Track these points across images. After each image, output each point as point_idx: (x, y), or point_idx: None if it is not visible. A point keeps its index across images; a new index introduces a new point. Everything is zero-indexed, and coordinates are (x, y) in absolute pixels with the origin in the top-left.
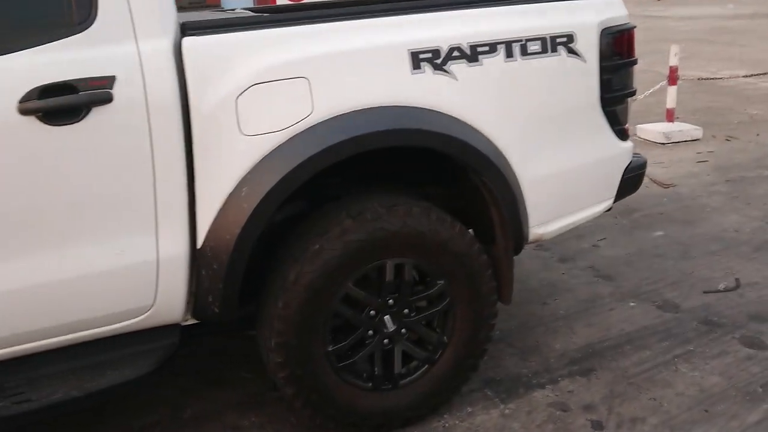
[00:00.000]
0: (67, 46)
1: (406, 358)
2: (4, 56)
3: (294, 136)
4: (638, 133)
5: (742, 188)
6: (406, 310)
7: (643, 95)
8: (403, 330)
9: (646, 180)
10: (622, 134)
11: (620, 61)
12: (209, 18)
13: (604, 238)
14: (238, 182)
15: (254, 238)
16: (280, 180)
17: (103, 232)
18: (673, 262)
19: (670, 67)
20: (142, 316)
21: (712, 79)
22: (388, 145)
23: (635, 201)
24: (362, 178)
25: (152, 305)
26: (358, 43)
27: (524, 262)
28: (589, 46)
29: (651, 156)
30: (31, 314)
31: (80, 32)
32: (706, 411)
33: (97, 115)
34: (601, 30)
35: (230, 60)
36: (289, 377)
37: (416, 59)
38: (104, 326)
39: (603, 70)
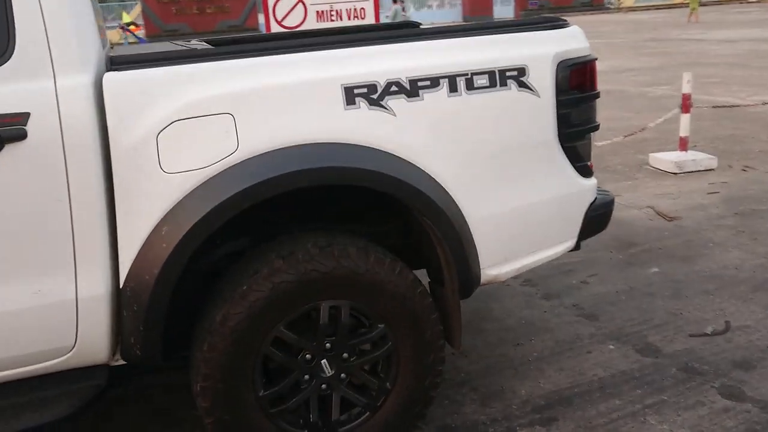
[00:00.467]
0: None
1: (347, 404)
2: None
3: (216, 174)
4: (650, 162)
5: (751, 222)
6: (345, 354)
7: (655, 123)
8: (342, 375)
9: (650, 212)
10: (585, 171)
11: (579, 95)
12: (141, 52)
13: (595, 275)
14: (158, 221)
15: (174, 279)
16: (200, 220)
17: (18, 271)
18: (663, 302)
19: (683, 95)
20: (63, 357)
21: (739, 105)
22: (317, 183)
23: (635, 234)
24: (307, 216)
25: (73, 346)
26: (287, 78)
27: (506, 299)
28: (543, 79)
29: (660, 187)
30: None
31: None
32: None
33: (11, 151)
34: (557, 63)
35: (152, 95)
36: (217, 423)
37: (350, 94)
38: (22, 367)
39: (560, 104)
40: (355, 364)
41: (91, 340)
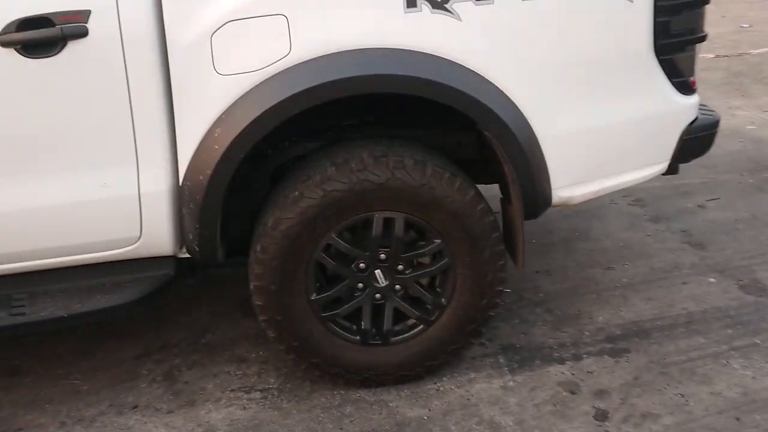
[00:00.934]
0: None
1: (401, 315)
2: None
3: (269, 77)
4: None
5: None
6: (400, 266)
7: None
8: (397, 286)
9: None
10: (685, 87)
11: (681, 1)
12: None
13: (716, 199)
14: (212, 123)
15: (226, 182)
16: (249, 124)
17: (84, 164)
18: None
19: None
20: (131, 247)
21: None
22: (371, 92)
23: None
24: (380, 122)
25: (139, 237)
26: None
27: (609, 218)
28: None
29: None
30: (27, 235)
31: None
32: (737, 419)
33: (73, 48)
34: None
35: None
36: (269, 322)
37: None
38: (95, 252)
39: (659, 10)
40: (410, 277)
41: (155, 232)
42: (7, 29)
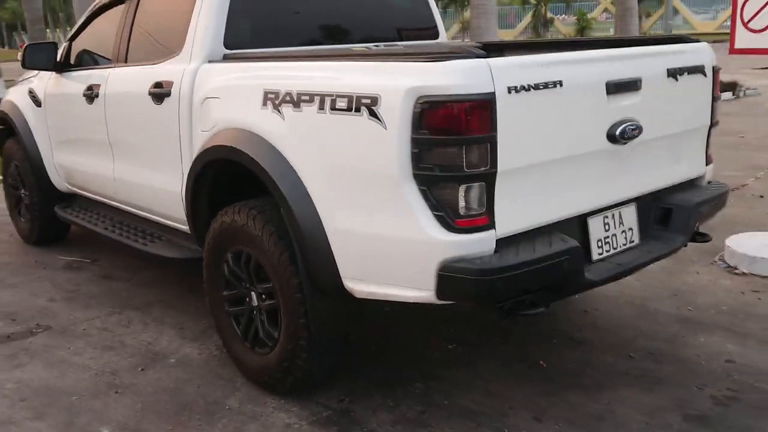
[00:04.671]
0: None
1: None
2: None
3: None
4: None
5: None
6: (258, 293)
7: None
8: (260, 309)
9: None
10: (448, 223)
11: (436, 136)
12: None
13: None
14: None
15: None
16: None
17: (159, 166)
18: None
19: None
20: (169, 221)
21: None
22: (229, 158)
23: None
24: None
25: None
26: (240, 80)
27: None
28: (394, 112)
29: None
30: (142, 200)
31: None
32: None
33: (169, 99)
34: (415, 97)
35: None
36: (208, 298)
37: (265, 98)
38: (165, 219)
39: (414, 141)
40: (261, 304)
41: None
42: (151, 86)
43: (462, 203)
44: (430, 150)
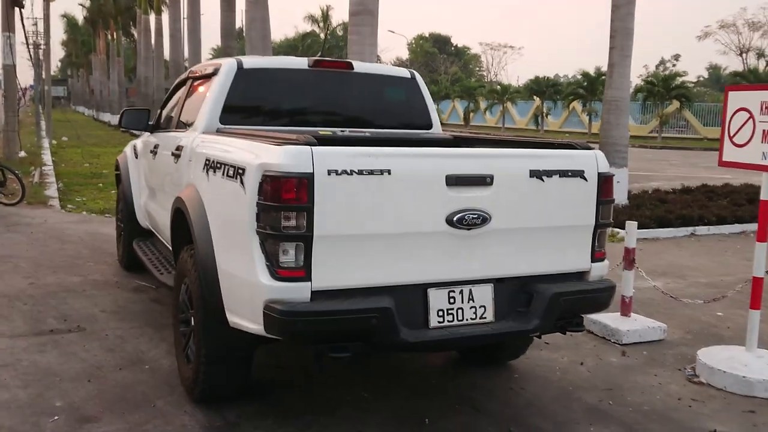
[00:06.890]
0: None
1: None
2: None
3: None
4: None
5: None
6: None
7: None
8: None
9: None
10: (273, 271)
11: (268, 202)
12: None
13: None
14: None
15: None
16: None
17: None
18: None
19: None
20: None
21: None
22: None
23: None
24: None
25: None
26: (200, 148)
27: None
28: (250, 181)
29: None
30: (158, 225)
31: None
32: None
33: (181, 153)
34: (261, 171)
35: None
36: (173, 320)
37: (206, 165)
38: None
39: (258, 205)
40: (186, 329)
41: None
42: (173, 149)
43: (282, 257)
44: (264, 212)
